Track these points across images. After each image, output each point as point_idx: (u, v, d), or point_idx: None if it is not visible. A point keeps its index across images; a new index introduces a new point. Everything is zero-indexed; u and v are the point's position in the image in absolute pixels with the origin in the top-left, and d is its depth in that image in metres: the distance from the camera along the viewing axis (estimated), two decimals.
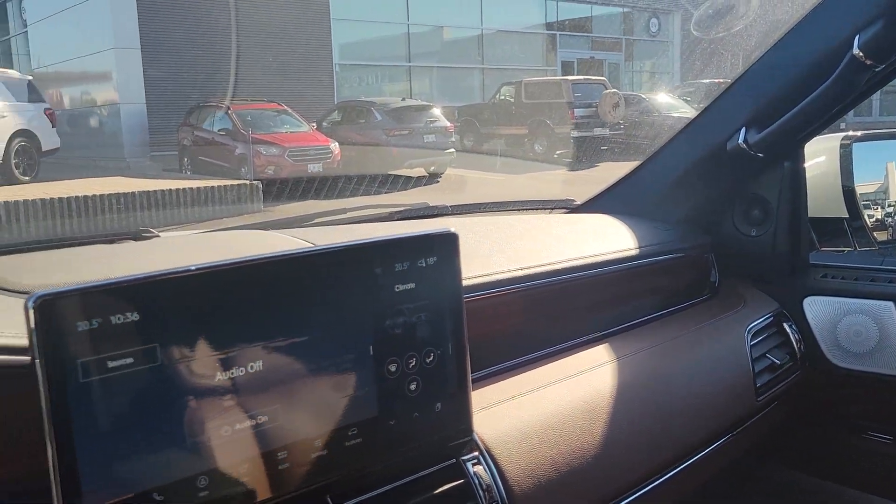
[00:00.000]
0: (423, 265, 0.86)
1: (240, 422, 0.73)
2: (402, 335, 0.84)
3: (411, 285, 0.85)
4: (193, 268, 0.70)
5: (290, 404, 0.76)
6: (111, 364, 0.65)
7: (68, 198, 8.52)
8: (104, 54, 15.56)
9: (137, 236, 1.20)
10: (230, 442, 0.72)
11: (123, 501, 0.66)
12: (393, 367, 0.84)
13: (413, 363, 0.85)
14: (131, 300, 0.66)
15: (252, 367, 0.73)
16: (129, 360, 0.66)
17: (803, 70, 1.33)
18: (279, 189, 10.28)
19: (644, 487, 1.11)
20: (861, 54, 1.21)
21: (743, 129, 1.43)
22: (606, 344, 1.24)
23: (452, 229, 0.89)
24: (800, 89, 1.33)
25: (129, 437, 0.66)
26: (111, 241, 1.16)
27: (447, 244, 0.88)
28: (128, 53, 15.29)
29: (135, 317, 0.66)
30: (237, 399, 0.72)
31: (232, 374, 0.72)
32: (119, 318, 0.65)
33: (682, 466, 1.18)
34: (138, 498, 0.67)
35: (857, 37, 1.22)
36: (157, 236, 1.19)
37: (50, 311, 0.62)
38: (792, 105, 1.34)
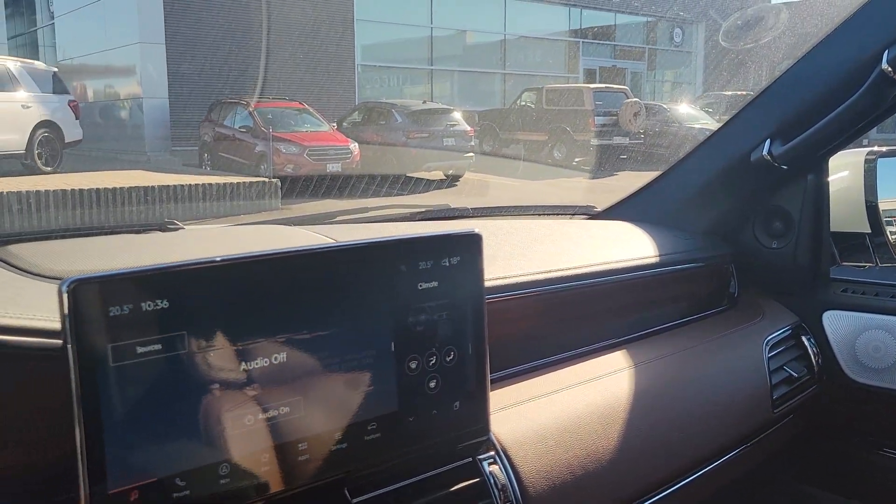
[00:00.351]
0: (447, 264, 0.87)
1: (262, 412, 0.74)
2: (424, 333, 0.85)
3: (434, 284, 0.86)
4: (220, 259, 0.71)
5: (312, 397, 0.77)
6: (140, 350, 0.66)
7: (89, 189, 8.60)
8: (129, 48, 15.72)
9: (163, 227, 1.22)
10: (252, 431, 0.73)
11: (147, 485, 0.67)
12: (413, 365, 0.84)
13: (433, 361, 0.86)
14: (161, 288, 0.67)
15: (276, 359, 0.74)
16: (158, 347, 0.67)
17: (830, 83, 1.33)
18: (298, 187, 10.34)
19: (657, 494, 1.11)
20: (890, 69, 1.21)
21: (768, 141, 1.43)
22: (624, 350, 1.25)
23: (476, 230, 0.89)
24: (826, 102, 1.33)
25: (155, 423, 0.68)
26: (138, 232, 1.18)
27: (471, 244, 0.89)
28: (153, 48, 15.44)
29: (164, 304, 0.67)
30: (260, 389, 0.73)
31: (256, 364, 0.73)
32: (149, 305, 0.66)
33: (695, 475, 1.18)
34: (161, 483, 0.68)
35: (886, 51, 1.21)
36: (182, 228, 1.20)
37: (83, 295, 0.63)
38: (818, 118, 1.34)
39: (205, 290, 0.70)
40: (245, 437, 0.73)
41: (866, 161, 1.58)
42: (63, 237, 1.11)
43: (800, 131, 1.38)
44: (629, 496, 1.06)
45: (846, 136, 1.42)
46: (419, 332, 0.85)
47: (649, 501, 1.09)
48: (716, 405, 1.24)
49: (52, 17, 19.17)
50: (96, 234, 1.18)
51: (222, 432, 0.71)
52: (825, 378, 1.49)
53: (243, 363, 0.72)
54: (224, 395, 0.71)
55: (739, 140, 1.49)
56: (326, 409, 0.78)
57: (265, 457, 0.74)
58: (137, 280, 0.66)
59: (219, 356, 0.71)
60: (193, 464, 0.70)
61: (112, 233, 1.18)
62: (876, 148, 1.62)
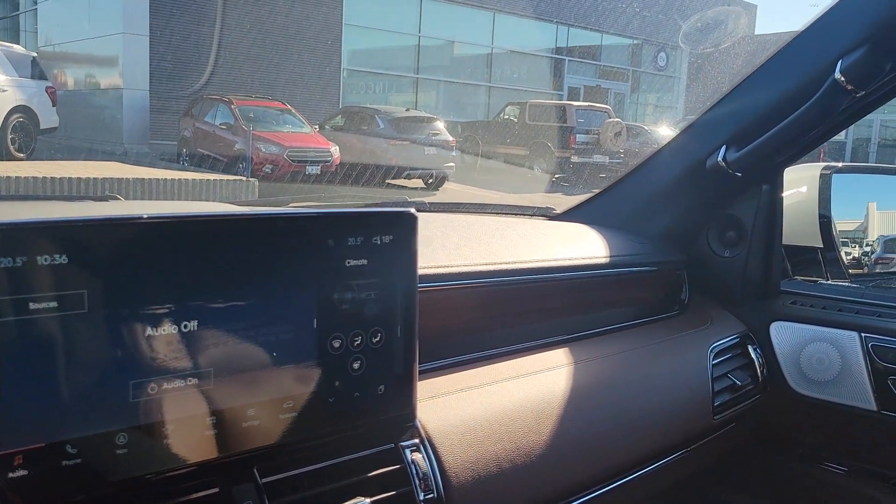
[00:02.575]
0: (378, 242, 0.84)
1: (168, 381, 0.70)
2: (350, 311, 0.82)
3: (363, 261, 0.83)
4: (130, 217, 0.68)
5: (223, 369, 0.74)
6: (33, 306, 0.63)
7: (61, 178, 8.47)
8: (112, 38, 15.55)
9: (101, 198, 1.18)
10: (155, 401, 0.70)
11: (33, 451, 0.64)
12: (337, 344, 0.82)
13: (358, 341, 0.83)
14: (61, 242, 0.64)
15: (185, 327, 0.71)
16: (53, 304, 0.64)
17: (786, 92, 1.33)
18: (275, 188, 10.27)
19: (589, 494, 1.09)
20: (843, 79, 1.21)
21: (723, 148, 1.43)
22: (567, 348, 1.23)
23: (412, 210, 0.87)
24: (781, 111, 1.33)
25: (46, 385, 0.64)
26: (71, 200, 1.14)
27: (405, 224, 0.86)
28: (136, 40, 15.28)
29: (63, 260, 0.64)
30: (167, 357, 0.70)
31: (164, 331, 0.70)
32: (45, 260, 0.63)
33: (629, 477, 1.16)
34: (50, 448, 0.64)
35: (840, 61, 1.22)
36: (120, 199, 1.17)
37: None
38: (772, 126, 1.34)
39: (110, 249, 0.67)
40: (147, 406, 0.69)
41: (821, 175, 1.59)
42: None
43: (755, 139, 1.38)
44: (558, 494, 1.04)
45: (800, 146, 1.42)
46: (344, 310, 0.82)
47: (580, 500, 1.07)
48: (655, 408, 1.22)
49: (35, 3, 18.95)
50: (30, 200, 1.14)
51: (122, 400, 0.68)
52: (769, 388, 1.48)
53: (149, 328, 0.69)
54: (126, 360, 0.68)
55: (696, 146, 1.49)
56: (239, 383, 0.75)
57: (168, 428, 0.71)
58: (33, 231, 0.63)
59: (122, 319, 0.67)
60: (87, 431, 0.66)
61: (44, 199, 1.14)
62: (832, 163, 1.63)
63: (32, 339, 0.63)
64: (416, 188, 12.92)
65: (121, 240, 0.67)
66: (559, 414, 1.06)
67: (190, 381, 0.72)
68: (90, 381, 0.66)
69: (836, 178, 1.60)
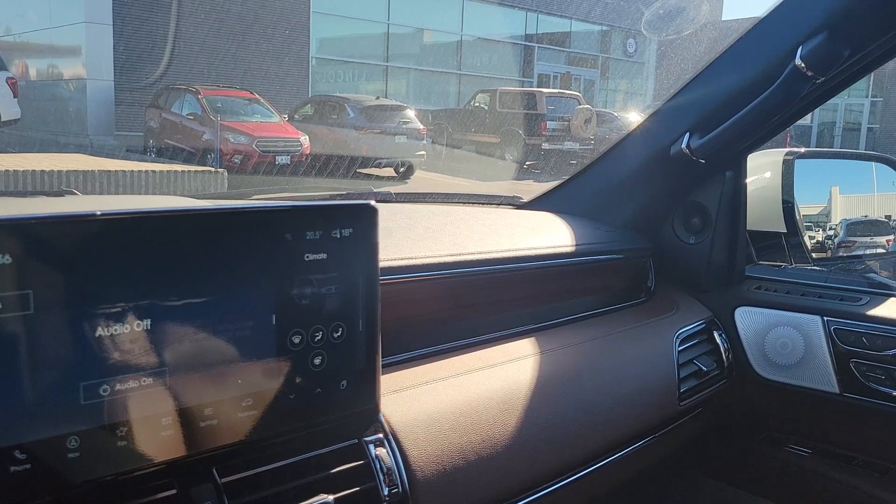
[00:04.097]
0: (338, 236, 0.83)
1: (120, 382, 0.69)
2: (309, 307, 0.81)
3: (323, 256, 0.82)
4: (77, 214, 0.66)
5: (179, 367, 0.72)
6: None
7: (24, 171, 8.28)
8: (74, 28, 15.22)
9: (56, 193, 1.15)
10: (107, 402, 0.68)
11: None
12: (297, 339, 0.80)
13: (319, 337, 0.82)
14: (4, 242, 0.62)
15: (138, 326, 0.69)
16: None
17: (748, 79, 1.33)
18: (245, 179, 10.16)
19: (556, 483, 1.09)
20: (803, 65, 1.22)
21: (687, 135, 1.43)
22: (533, 338, 1.23)
23: (372, 202, 0.86)
24: (743, 97, 1.33)
25: None
26: (24, 196, 1.11)
27: (365, 216, 0.85)
28: (99, 29, 14.98)
29: (6, 260, 0.62)
30: (118, 357, 0.68)
31: (115, 330, 0.68)
32: None
33: (597, 465, 1.16)
34: None
35: (800, 47, 1.22)
36: (76, 195, 1.14)
37: None
38: (735, 112, 1.35)
39: (58, 247, 0.65)
40: (99, 408, 0.67)
41: (784, 161, 1.60)
42: None
43: (718, 125, 1.38)
44: (526, 484, 1.04)
45: (762, 133, 1.43)
46: (304, 305, 0.81)
47: (547, 491, 1.07)
48: (622, 396, 1.23)
49: None
50: None
51: (72, 403, 0.66)
52: (734, 373, 1.50)
53: (100, 328, 0.67)
54: (76, 361, 0.66)
55: (661, 133, 1.49)
56: (195, 382, 0.73)
57: (122, 430, 0.69)
58: None
59: (72, 319, 0.65)
60: (36, 435, 0.64)
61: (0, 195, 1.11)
62: (794, 149, 1.64)
63: None
64: (386, 177, 12.87)
65: (70, 237, 0.65)
66: (525, 404, 1.06)
67: (144, 381, 0.70)
68: (38, 384, 0.64)
69: (799, 164, 1.61)
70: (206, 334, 0.74)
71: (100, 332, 0.67)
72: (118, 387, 0.68)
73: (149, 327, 0.70)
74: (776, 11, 1.29)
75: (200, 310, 0.74)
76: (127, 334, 0.69)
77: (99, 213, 0.67)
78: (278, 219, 0.79)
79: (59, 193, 1.16)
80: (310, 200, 1.50)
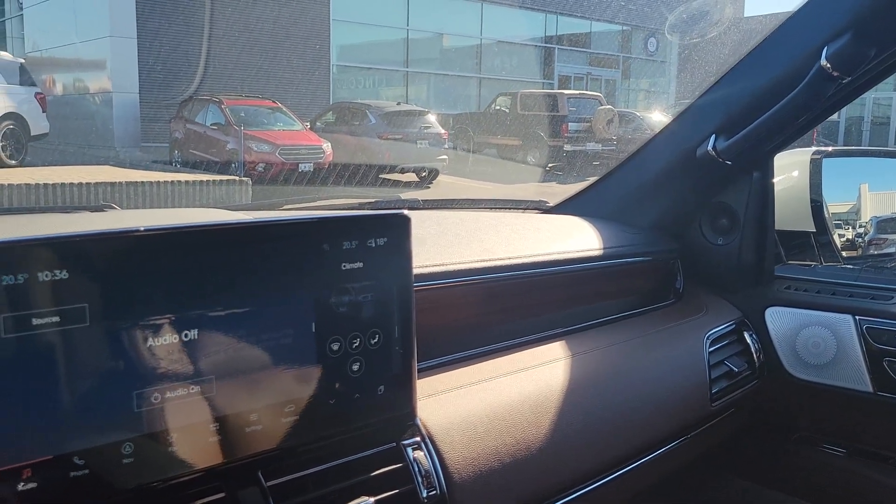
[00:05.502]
0: (373, 245, 0.86)
1: (171, 390, 0.72)
2: (347, 314, 0.84)
3: (359, 264, 0.84)
4: (128, 230, 0.69)
5: (225, 375, 0.75)
6: (36, 321, 0.64)
7: (54, 184, 8.44)
8: (100, 42, 15.49)
9: (96, 208, 1.19)
10: (159, 410, 0.71)
11: (41, 463, 0.65)
12: (335, 346, 0.83)
13: (357, 343, 0.84)
14: (61, 258, 0.65)
15: (187, 336, 0.72)
16: (55, 319, 0.65)
17: (773, 80, 1.34)
18: (269, 188, 10.26)
19: (590, 485, 1.10)
20: (828, 65, 1.22)
21: (713, 137, 1.43)
22: (563, 341, 1.24)
23: (405, 211, 0.88)
24: (769, 98, 1.33)
25: (52, 398, 0.65)
26: (67, 212, 1.15)
27: (399, 225, 0.88)
28: (124, 42, 15.22)
29: (63, 275, 0.65)
30: (169, 366, 0.71)
31: (165, 340, 0.71)
32: (46, 276, 0.64)
33: (630, 467, 1.17)
34: (57, 461, 0.66)
35: (825, 48, 1.22)
36: (115, 209, 1.18)
37: None
38: (761, 114, 1.35)
39: (109, 262, 0.68)
40: (151, 415, 0.70)
41: (812, 161, 1.60)
42: None
43: (743, 127, 1.38)
44: (559, 486, 1.06)
45: (788, 133, 1.43)
46: (342, 313, 0.83)
47: (580, 492, 1.09)
48: (653, 397, 1.24)
49: (21, 8, 18.85)
50: (25, 213, 1.15)
51: (126, 410, 0.69)
52: (766, 374, 1.49)
53: (152, 338, 0.70)
54: (129, 370, 0.69)
55: (686, 135, 1.50)
56: (240, 389, 0.76)
57: (173, 436, 0.72)
58: (33, 248, 0.64)
59: (124, 330, 0.69)
60: (93, 442, 0.67)
61: (41, 212, 1.15)
62: (822, 148, 1.64)
63: (37, 354, 0.64)
64: (409, 182, 12.91)
65: (119, 252, 0.68)
66: (558, 407, 1.07)
67: (192, 388, 0.73)
68: (95, 392, 0.67)
69: (827, 163, 1.61)
70: (249, 343, 0.77)
71: (150, 342, 0.70)
72: (168, 395, 0.71)
73: (196, 337, 0.73)
74: (800, 12, 1.29)
75: (244, 319, 0.76)
76: (175, 344, 0.72)
77: (143, 228, 0.70)
78: (316, 230, 0.82)
79: (100, 208, 1.20)
80: (340, 209, 1.53)
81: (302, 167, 11.63)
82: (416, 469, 0.89)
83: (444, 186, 12.57)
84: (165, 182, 9.29)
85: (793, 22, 1.31)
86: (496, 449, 0.97)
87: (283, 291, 0.79)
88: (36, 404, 0.64)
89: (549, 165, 15.42)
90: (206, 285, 0.74)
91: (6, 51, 14.63)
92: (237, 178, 10.17)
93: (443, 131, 13.83)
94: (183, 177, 9.94)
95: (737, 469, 1.67)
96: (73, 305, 0.65)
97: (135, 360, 0.69)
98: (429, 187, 12.68)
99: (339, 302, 0.83)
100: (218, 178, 10.02)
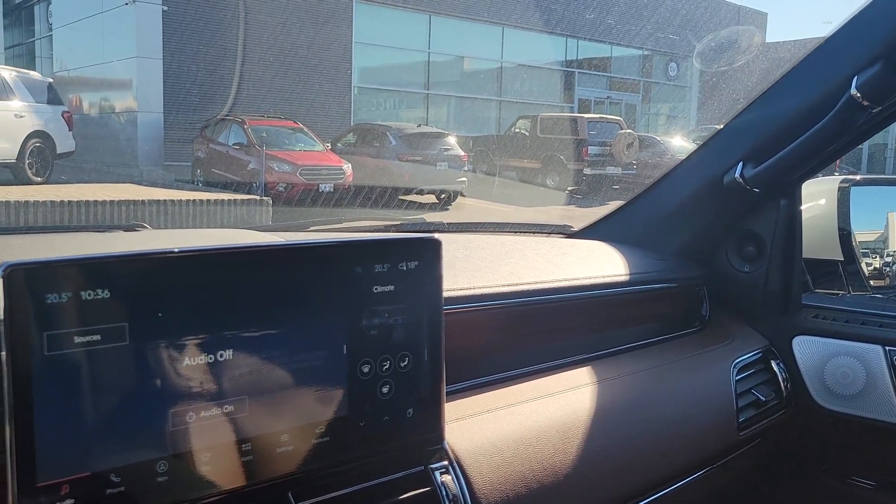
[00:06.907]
0: (404, 269, 0.86)
1: (205, 409, 0.72)
2: (378, 337, 0.84)
3: (390, 287, 0.85)
4: (167, 251, 0.70)
5: (258, 396, 0.75)
6: (78, 339, 0.65)
7: (79, 201, 8.57)
8: (126, 62, 15.76)
9: (129, 228, 1.21)
10: (193, 429, 0.71)
11: (79, 479, 0.66)
12: (366, 369, 0.83)
13: (387, 366, 0.85)
14: (103, 277, 0.66)
15: (221, 356, 0.73)
16: (97, 337, 0.66)
17: (802, 108, 1.34)
18: (289, 207, 10.34)
19: None
20: (858, 95, 1.22)
21: (740, 164, 1.43)
22: (589, 367, 1.24)
23: (436, 235, 0.89)
24: (797, 127, 1.33)
25: (90, 416, 0.66)
26: (100, 231, 1.17)
27: (430, 249, 0.88)
28: (150, 63, 15.49)
29: (105, 294, 0.66)
30: (204, 386, 0.72)
31: (200, 360, 0.72)
32: (89, 294, 0.65)
33: (656, 495, 1.16)
34: (94, 477, 0.66)
35: (855, 77, 1.22)
36: (147, 229, 1.20)
37: (19, 281, 0.62)
38: (789, 142, 1.35)
39: (150, 281, 0.69)
40: (186, 434, 0.71)
41: (840, 189, 1.59)
42: (22, 233, 1.10)
43: (772, 155, 1.38)
44: None
45: (817, 161, 1.43)
46: (373, 335, 0.84)
47: None
48: (680, 425, 1.23)
49: (51, 29, 19.25)
50: (60, 232, 1.17)
51: (162, 429, 0.70)
52: (793, 403, 1.48)
53: (188, 358, 0.71)
54: (165, 389, 0.70)
55: (713, 163, 1.50)
56: (272, 410, 0.77)
57: (206, 456, 0.73)
58: (77, 268, 0.65)
59: (161, 350, 0.70)
60: (130, 459, 0.68)
61: (76, 230, 1.17)
62: (850, 176, 1.63)
63: (77, 372, 0.65)
64: (428, 203, 12.95)
65: (159, 272, 0.70)
66: (584, 433, 1.07)
67: (226, 408, 0.74)
68: (132, 410, 0.68)
69: (855, 191, 1.60)
70: (282, 364, 0.77)
71: (186, 361, 0.71)
72: (203, 414, 0.72)
73: (230, 357, 0.74)
74: (831, 41, 1.29)
75: (277, 340, 0.77)
76: (210, 364, 0.72)
77: (177, 250, 0.71)
78: (349, 253, 0.82)
79: (132, 227, 1.22)
80: (366, 231, 1.54)
81: (322, 187, 11.71)
82: (444, 493, 0.89)
83: (465, 208, 12.59)
84: (188, 201, 9.40)
85: (823, 50, 1.31)
86: (523, 474, 0.97)
87: (316, 313, 0.80)
88: (75, 421, 0.65)
89: (569, 188, 15.42)
90: (240, 306, 0.75)
91: (35, 70, 14.95)
92: (258, 197, 10.27)
93: (462, 153, 13.88)
94: (205, 195, 10.05)
95: (765, 499, 1.65)
96: (114, 324, 0.66)
97: (171, 379, 0.70)
98: (447, 209, 12.70)
99: (371, 324, 0.84)
100: (239, 197, 10.12)
